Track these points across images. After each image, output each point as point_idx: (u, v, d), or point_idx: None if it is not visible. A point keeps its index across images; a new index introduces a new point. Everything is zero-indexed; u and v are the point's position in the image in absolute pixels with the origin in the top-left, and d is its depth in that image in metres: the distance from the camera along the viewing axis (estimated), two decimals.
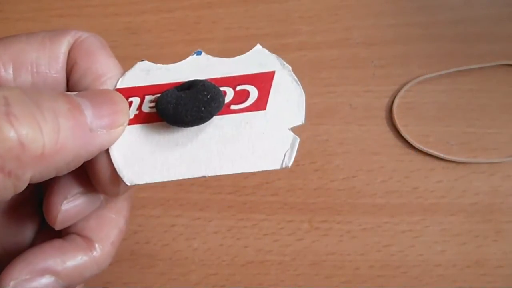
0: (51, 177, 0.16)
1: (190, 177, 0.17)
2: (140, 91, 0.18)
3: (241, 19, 0.34)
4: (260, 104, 0.18)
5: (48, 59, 0.18)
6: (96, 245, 0.19)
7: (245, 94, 0.18)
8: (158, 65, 0.19)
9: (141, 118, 0.18)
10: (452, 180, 0.30)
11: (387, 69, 0.33)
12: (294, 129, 0.18)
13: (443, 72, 0.32)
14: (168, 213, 0.30)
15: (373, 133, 0.31)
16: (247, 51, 0.19)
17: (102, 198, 0.19)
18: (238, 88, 0.18)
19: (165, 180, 0.17)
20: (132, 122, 0.18)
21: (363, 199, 0.30)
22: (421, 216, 0.29)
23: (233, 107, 0.18)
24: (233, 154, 0.17)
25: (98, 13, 0.35)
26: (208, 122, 0.18)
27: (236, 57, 0.19)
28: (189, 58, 0.19)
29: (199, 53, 0.19)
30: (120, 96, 0.18)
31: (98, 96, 0.17)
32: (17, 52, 0.18)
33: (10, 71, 0.18)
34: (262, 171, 0.17)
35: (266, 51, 0.19)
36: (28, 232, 0.21)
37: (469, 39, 0.33)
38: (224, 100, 0.18)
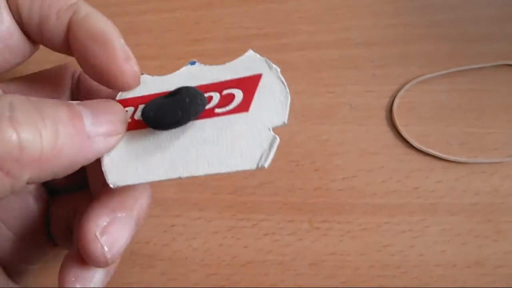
0: (48, 180, 0.16)
1: (166, 178, 0.18)
2: (135, 102, 0.19)
3: (241, 19, 0.34)
4: (244, 106, 0.18)
5: None
6: None
7: (230, 98, 0.18)
8: (155, 76, 0.19)
9: (132, 125, 0.19)
10: (452, 180, 0.30)
11: (387, 69, 0.32)
12: (276, 130, 0.18)
13: (443, 72, 0.32)
14: (168, 213, 0.30)
15: (373, 133, 0.31)
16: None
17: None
18: (224, 92, 0.18)
19: (144, 181, 0.18)
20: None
21: (363, 199, 0.30)
22: (421, 216, 0.29)
23: (217, 110, 0.18)
24: (210, 155, 0.18)
25: None
26: (190, 126, 0.18)
27: (227, 63, 0.19)
28: (183, 68, 0.19)
29: (193, 63, 0.19)
30: (119, 106, 0.19)
31: (100, 106, 0.18)
32: None
33: None
34: (237, 171, 0.17)
35: (257, 55, 0.19)
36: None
37: (469, 39, 0.33)
38: (204, 104, 0.18)
